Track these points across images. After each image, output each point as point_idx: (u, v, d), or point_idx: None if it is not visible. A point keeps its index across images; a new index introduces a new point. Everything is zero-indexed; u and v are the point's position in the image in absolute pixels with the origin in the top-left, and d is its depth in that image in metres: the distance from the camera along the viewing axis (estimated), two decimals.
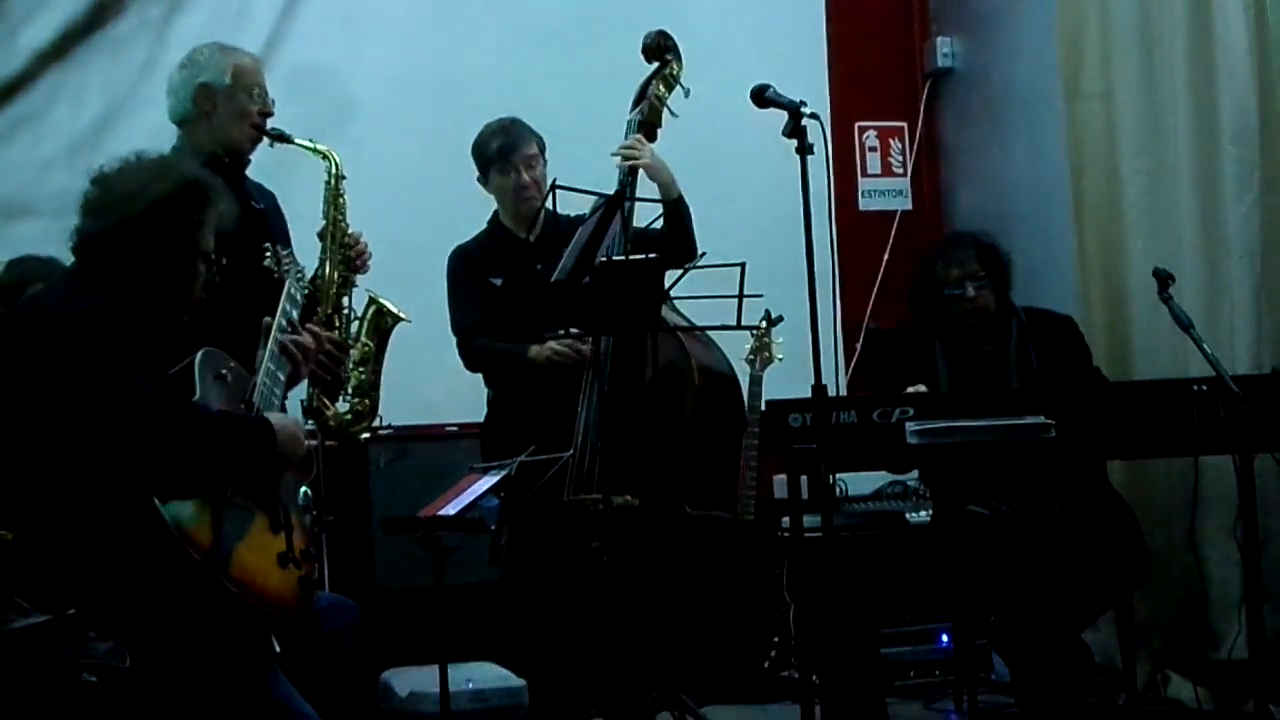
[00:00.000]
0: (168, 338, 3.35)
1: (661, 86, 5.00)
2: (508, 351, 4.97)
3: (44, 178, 3.49)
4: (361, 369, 4.33)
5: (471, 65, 6.36)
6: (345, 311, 4.31)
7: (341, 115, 5.88)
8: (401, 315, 4.43)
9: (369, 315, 4.40)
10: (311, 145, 4.34)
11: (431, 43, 6.40)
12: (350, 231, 4.34)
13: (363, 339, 4.37)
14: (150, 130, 4.67)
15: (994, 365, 4.84)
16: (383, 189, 5.81)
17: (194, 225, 3.38)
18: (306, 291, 4.04)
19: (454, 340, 5.10)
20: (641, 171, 4.91)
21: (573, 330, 4.73)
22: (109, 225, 3.29)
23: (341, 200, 4.34)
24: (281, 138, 4.30)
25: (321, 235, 4.32)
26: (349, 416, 4.29)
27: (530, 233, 5.05)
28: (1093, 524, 4.68)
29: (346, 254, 4.30)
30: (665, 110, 5.00)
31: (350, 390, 4.29)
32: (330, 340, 3.98)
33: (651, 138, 4.98)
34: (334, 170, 4.35)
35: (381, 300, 4.42)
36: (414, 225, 5.87)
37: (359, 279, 4.36)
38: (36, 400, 3.14)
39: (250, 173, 4.39)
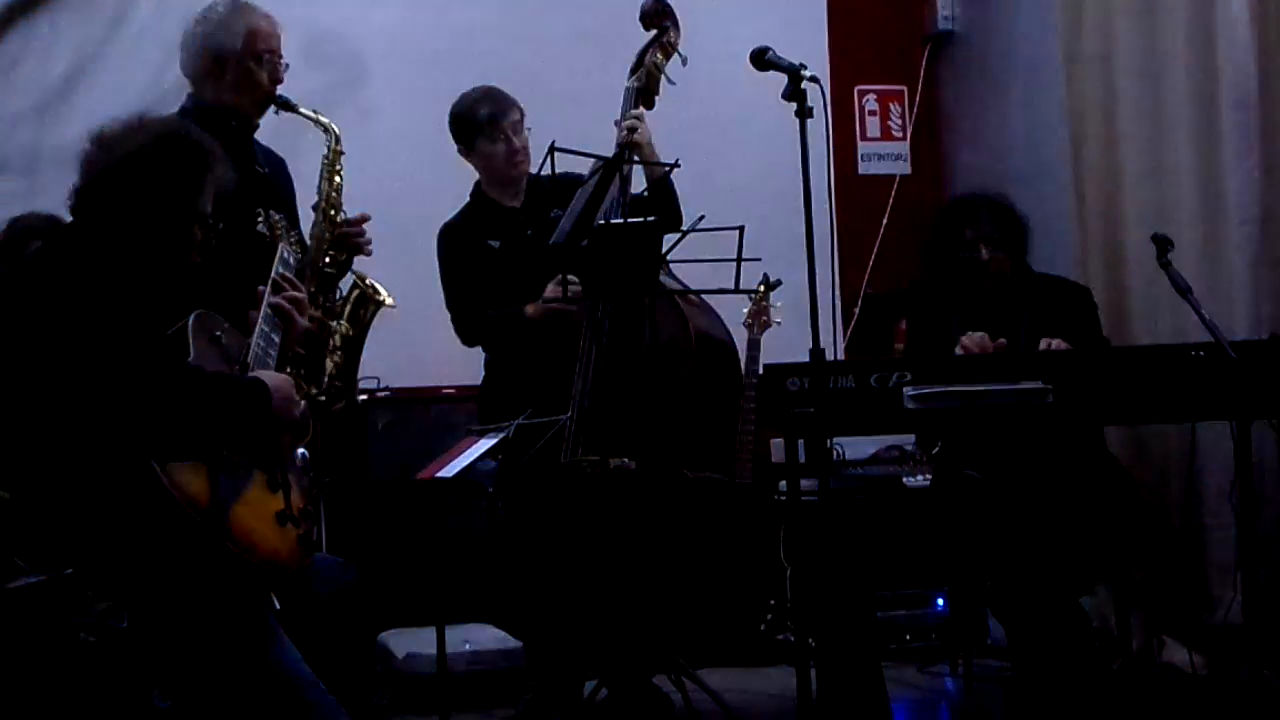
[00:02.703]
0: (162, 300, 3.34)
1: (659, 54, 4.98)
2: (504, 316, 4.96)
3: (12, 134, 3.48)
4: (340, 352, 4.21)
5: (473, 29, 6.35)
6: (331, 292, 4.21)
7: (354, 81, 5.91)
8: (387, 300, 4.30)
9: (353, 297, 4.27)
10: (314, 116, 4.28)
11: (432, 5, 6.38)
12: (350, 214, 4.23)
13: (343, 322, 4.24)
14: (119, 86, 4.65)
15: (1006, 329, 4.81)
16: (383, 151, 5.81)
17: (190, 189, 3.37)
18: (299, 255, 4.00)
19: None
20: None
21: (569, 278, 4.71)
22: (106, 185, 3.29)
23: (338, 175, 4.24)
24: (286, 105, 4.25)
25: (315, 208, 4.25)
26: (322, 399, 4.11)
27: (516, 199, 5.03)
28: (1089, 489, 4.68)
29: (338, 232, 4.20)
30: (663, 78, 4.99)
31: (326, 371, 4.15)
32: (312, 316, 3.88)
33: (649, 105, 4.96)
34: (333, 144, 4.27)
35: (368, 281, 4.28)
36: (416, 186, 5.86)
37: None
38: (33, 360, 3.14)
39: (264, 137, 4.36)
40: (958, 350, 4.69)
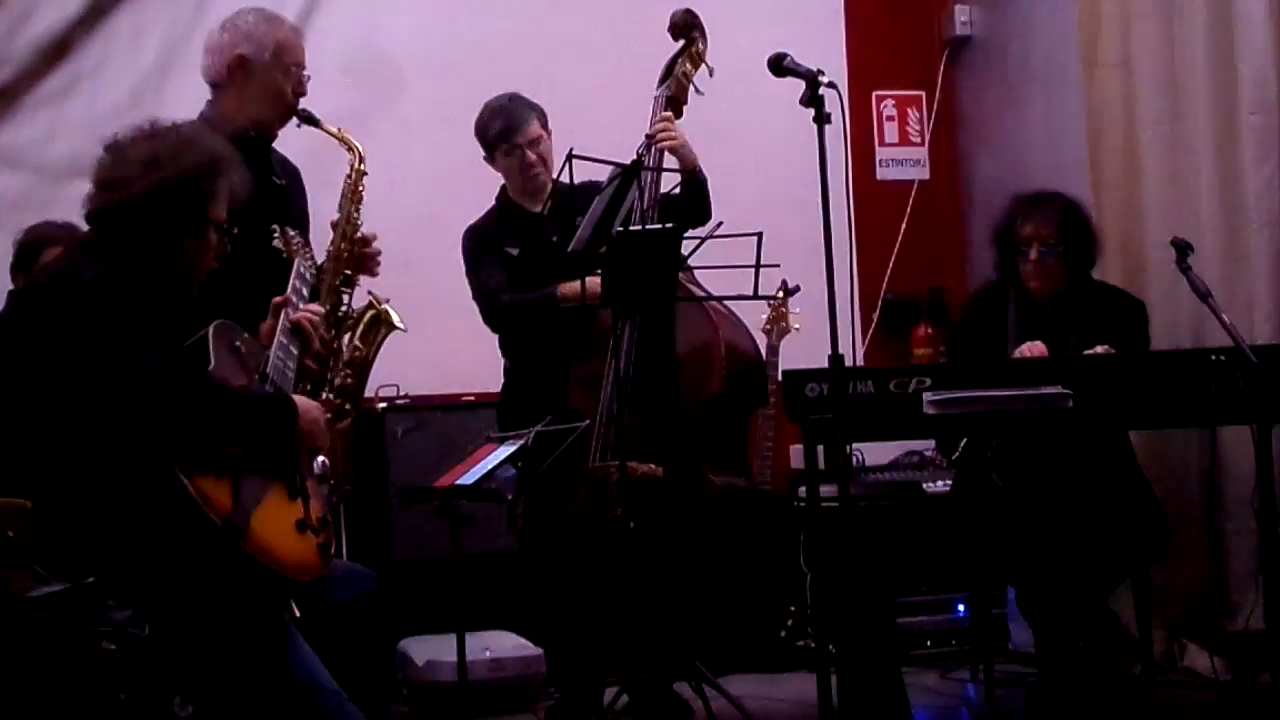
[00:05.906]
0: (177, 308, 3.34)
1: (688, 64, 5.00)
2: (537, 298, 4.94)
3: (99, 134, 3.46)
4: (348, 372, 4.15)
5: (496, 36, 6.35)
6: (344, 309, 4.17)
7: (391, 93, 5.90)
8: (399, 325, 4.25)
9: (366, 319, 4.22)
10: (338, 134, 4.25)
11: (456, 13, 6.39)
12: (364, 232, 4.21)
13: (355, 342, 4.20)
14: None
15: (1057, 332, 4.78)
16: (417, 162, 5.82)
17: (205, 195, 3.37)
18: (315, 271, 3.99)
19: (472, 310, 5.07)
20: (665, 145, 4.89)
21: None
22: (120, 192, 3.30)
23: (360, 194, 4.21)
24: (310, 121, 4.22)
25: (334, 226, 4.21)
26: (328, 415, 3.91)
27: (541, 206, 5.04)
28: (1109, 495, 4.67)
29: (354, 251, 4.17)
30: (691, 87, 4.99)
31: (334, 389, 4.09)
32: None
33: (678, 114, 4.97)
34: (357, 164, 4.24)
35: (382, 306, 4.24)
36: (436, 194, 5.86)
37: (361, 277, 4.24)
38: (52, 369, 3.15)
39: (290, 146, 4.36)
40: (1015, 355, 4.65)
